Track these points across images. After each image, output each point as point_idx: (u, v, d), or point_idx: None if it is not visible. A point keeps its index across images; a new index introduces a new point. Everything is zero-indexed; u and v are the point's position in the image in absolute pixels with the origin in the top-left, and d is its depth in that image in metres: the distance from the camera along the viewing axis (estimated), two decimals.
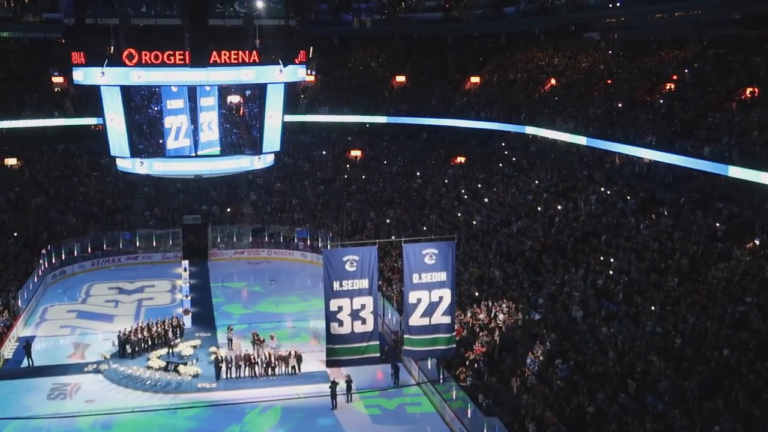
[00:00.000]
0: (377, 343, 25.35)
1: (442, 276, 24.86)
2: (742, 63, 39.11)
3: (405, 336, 25.78)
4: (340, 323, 24.40)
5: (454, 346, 26.37)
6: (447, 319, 25.27)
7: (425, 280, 24.77)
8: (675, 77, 42.54)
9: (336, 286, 24.15)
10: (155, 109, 26.27)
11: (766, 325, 24.49)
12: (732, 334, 24.63)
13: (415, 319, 25.11)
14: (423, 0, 66.30)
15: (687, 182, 36.47)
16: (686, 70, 42.34)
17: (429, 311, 25.01)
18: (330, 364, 25.54)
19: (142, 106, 26.17)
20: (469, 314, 32.79)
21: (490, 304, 32.86)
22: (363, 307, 24.42)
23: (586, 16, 52.07)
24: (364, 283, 24.31)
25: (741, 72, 38.44)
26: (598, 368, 25.37)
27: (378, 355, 25.58)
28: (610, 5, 49.42)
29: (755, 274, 27.20)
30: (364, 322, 24.56)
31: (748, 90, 36.70)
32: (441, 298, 25.01)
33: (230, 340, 34.43)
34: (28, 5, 60.89)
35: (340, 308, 24.27)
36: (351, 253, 24.52)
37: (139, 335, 33.58)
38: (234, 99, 27.45)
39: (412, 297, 24.95)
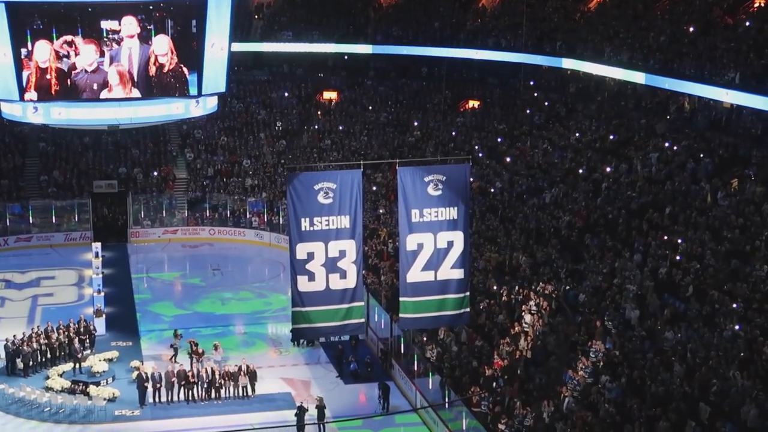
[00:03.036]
0: (362, 304, 24.97)
1: (451, 213, 24.50)
2: None
3: (400, 299, 25.26)
4: (311, 276, 23.95)
5: (468, 310, 26.01)
6: (459, 273, 24.92)
7: (428, 218, 24.39)
8: None
9: (305, 225, 23.73)
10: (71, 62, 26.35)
11: None
12: None
13: (415, 274, 24.71)
14: None
15: None
16: None
17: (434, 262, 24.65)
18: (297, 334, 25.30)
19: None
20: (485, 315, 32.87)
21: (514, 301, 32.95)
22: (342, 254, 24.05)
23: None
24: (344, 222, 23.91)
25: None
26: (660, 387, 25.54)
27: (363, 320, 25.41)
28: None
29: None
30: (343, 275, 24.10)
31: None
32: (450, 243, 24.64)
33: (177, 349, 34.47)
34: None
35: (311, 255, 23.84)
36: (325, 179, 24.07)
37: (34, 345, 33.49)
38: (161, 50, 27.16)
39: (411, 242, 24.53)
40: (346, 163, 27.77)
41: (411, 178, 24.41)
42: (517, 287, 33.67)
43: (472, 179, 45.40)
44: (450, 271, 24.73)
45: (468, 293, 25.60)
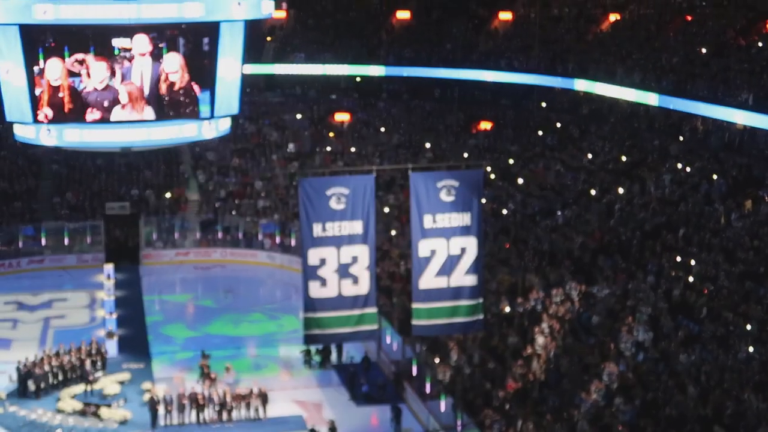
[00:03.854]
0: (374, 311, 24.96)
1: (464, 218, 24.51)
2: None
3: (413, 306, 25.30)
4: (323, 282, 23.97)
5: (482, 316, 26.01)
6: (472, 280, 24.90)
7: (441, 224, 24.42)
8: None
9: (317, 230, 23.76)
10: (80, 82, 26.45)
11: None
12: None
13: (428, 280, 24.69)
14: None
15: None
16: None
17: (447, 268, 24.65)
18: (309, 340, 25.30)
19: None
20: (497, 337, 32.81)
21: (526, 323, 32.88)
22: (354, 260, 24.07)
23: None
24: (357, 227, 23.93)
25: None
26: (674, 410, 25.44)
27: (375, 327, 25.31)
28: None
29: None
30: (356, 281, 24.13)
31: None
32: (464, 249, 24.68)
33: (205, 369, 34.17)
34: None
35: (323, 261, 23.88)
36: (338, 184, 24.14)
37: (46, 367, 33.54)
38: (171, 68, 27.28)
39: (424, 248, 24.56)
40: (359, 168, 27.82)
41: (424, 183, 24.49)
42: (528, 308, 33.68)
43: (484, 200, 45.54)
44: (463, 278, 24.77)
45: (482, 300, 25.57)
